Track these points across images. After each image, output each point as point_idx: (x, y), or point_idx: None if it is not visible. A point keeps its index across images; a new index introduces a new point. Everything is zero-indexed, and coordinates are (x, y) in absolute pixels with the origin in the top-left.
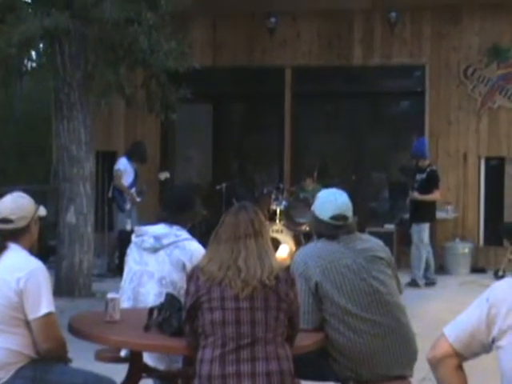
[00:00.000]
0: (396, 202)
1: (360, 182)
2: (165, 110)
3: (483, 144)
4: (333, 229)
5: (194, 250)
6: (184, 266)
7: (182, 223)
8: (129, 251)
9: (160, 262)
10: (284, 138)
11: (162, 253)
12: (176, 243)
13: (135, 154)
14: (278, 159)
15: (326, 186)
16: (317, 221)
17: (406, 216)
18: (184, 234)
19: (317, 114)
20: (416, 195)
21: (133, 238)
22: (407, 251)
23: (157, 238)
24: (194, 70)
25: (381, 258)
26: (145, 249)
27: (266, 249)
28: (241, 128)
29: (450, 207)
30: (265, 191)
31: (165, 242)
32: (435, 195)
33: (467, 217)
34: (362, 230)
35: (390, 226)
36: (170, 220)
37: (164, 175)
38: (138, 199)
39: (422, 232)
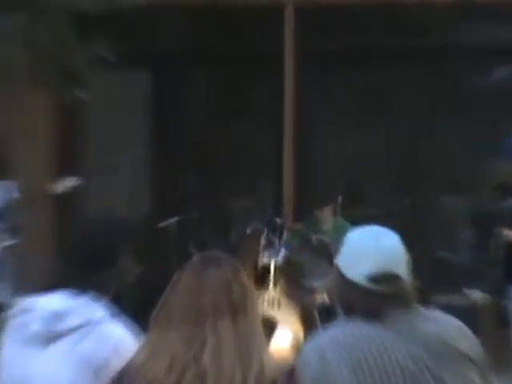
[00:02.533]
0: (488, 250)
1: (420, 213)
2: (64, 84)
3: None
4: (372, 298)
5: (120, 338)
6: (101, 369)
7: (97, 289)
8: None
9: (56, 362)
10: (283, 133)
11: (60, 345)
12: (87, 327)
13: None
14: (272, 171)
15: (357, 220)
16: (343, 284)
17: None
18: (102, 309)
19: (341, 89)
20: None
21: (6, 317)
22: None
23: (52, 319)
24: (123, 10)
25: (461, 354)
26: (29, 338)
27: (252, 336)
28: (206, 114)
29: None
30: (249, 230)
31: (67, 324)
32: None
33: None
34: (426, 302)
35: (476, 295)
36: (77, 284)
37: (66, 184)
38: (9, 243)
39: None
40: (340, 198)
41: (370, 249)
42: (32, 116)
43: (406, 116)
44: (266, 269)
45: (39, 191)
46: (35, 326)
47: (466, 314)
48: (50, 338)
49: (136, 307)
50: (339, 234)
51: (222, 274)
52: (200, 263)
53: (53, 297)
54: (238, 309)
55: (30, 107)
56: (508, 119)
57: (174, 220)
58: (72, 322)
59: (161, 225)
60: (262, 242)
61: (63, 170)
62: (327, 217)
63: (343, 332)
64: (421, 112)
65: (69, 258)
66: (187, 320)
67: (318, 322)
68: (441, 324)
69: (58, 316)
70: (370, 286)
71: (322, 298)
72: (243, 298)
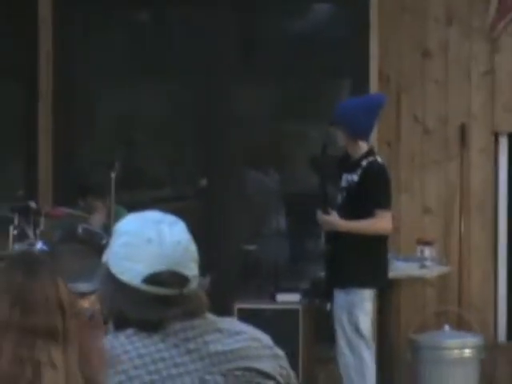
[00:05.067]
0: (304, 239)
1: (217, 194)
2: None
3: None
4: (152, 306)
5: None
6: None
7: None
8: None
9: None
10: (37, 95)
11: None
12: None
13: None
14: (24, 142)
15: (135, 206)
16: (114, 288)
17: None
18: None
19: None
20: (338, 222)
21: None
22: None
23: None
24: None
25: (263, 374)
26: None
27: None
28: None
29: (427, 251)
30: None
31: None
32: (382, 222)
33: (471, 274)
34: (223, 309)
35: (290, 298)
36: None
37: None
38: None
39: (355, 311)
40: (112, 173)
41: (149, 242)
42: None
43: (198, 72)
44: None
45: None
46: None
47: (278, 324)
48: None
49: None
50: (114, 223)
51: (53, 285)
52: (25, 262)
53: None
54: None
55: None
56: (329, 76)
57: None
58: None
59: None
60: (12, 232)
61: None
62: (98, 202)
63: (113, 351)
64: (218, 67)
65: None
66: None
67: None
68: (239, 338)
69: None
70: (149, 289)
71: (91, 305)
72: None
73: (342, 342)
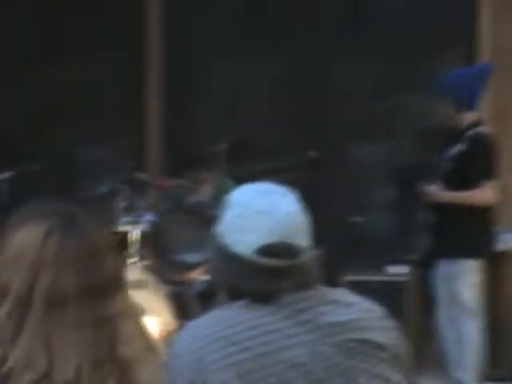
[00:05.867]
0: (410, 211)
1: (326, 167)
2: None
3: None
4: (264, 277)
5: None
6: None
7: None
8: None
9: None
10: (145, 67)
11: None
12: None
13: None
14: (132, 115)
15: (244, 178)
16: (226, 260)
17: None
18: None
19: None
20: (441, 193)
21: None
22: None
23: None
24: None
25: (376, 346)
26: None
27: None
28: (45, 44)
29: None
30: (102, 188)
31: None
32: (484, 193)
33: None
34: (334, 281)
35: (399, 269)
36: None
37: None
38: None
39: (457, 282)
40: (224, 151)
41: (261, 214)
42: None
43: (310, 46)
44: (125, 238)
45: None
46: None
47: (385, 295)
48: None
49: None
50: (222, 196)
51: (82, 235)
52: (64, 219)
53: None
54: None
55: None
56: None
57: (5, 175)
58: None
59: None
60: (121, 203)
61: None
62: (207, 174)
63: (226, 322)
64: (327, 42)
65: None
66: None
67: (195, 308)
68: (352, 310)
69: None
70: (261, 261)
71: (200, 277)
72: (119, 270)
73: (442, 314)
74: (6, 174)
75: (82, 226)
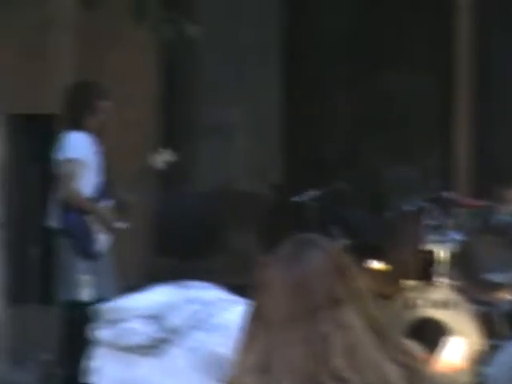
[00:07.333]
0: None
1: None
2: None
3: None
4: None
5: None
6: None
7: (207, 276)
8: (96, 360)
9: (171, 370)
10: (454, 86)
11: (174, 351)
12: (206, 320)
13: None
14: (440, 133)
15: None
16: None
17: None
18: (218, 293)
19: None
20: None
21: (99, 329)
22: None
23: (155, 320)
24: None
25: None
26: (129, 349)
27: (384, 324)
28: (353, 60)
29: None
30: (408, 207)
31: (173, 323)
32: None
33: None
34: None
35: None
36: (184, 270)
37: (165, 157)
38: (121, 225)
39: None
40: None
41: None
42: (133, 59)
43: None
44: (430, 257)
45: (141, 161)
46: (134, 335)
47: None
48: (157, 343)
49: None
50: None
51: (326, 255)
52: (294, 247)
53: (155, 291)
54: (356, 295)
55: (132, 50)
56: None
57: (313, 193)
58: (181, 317)
59: (295, 199)
60: (426, 222)
61: (166, 130)
62: (508, 190)
63: None
64: None
65: (170, 244)
66: (296, 317)
67: (502, 328)
68: None
69: (161, 315)
70: None
71: (508, 297)
72: (358, 282)
73: None
74: (316, 193)
75: (319, 246)
